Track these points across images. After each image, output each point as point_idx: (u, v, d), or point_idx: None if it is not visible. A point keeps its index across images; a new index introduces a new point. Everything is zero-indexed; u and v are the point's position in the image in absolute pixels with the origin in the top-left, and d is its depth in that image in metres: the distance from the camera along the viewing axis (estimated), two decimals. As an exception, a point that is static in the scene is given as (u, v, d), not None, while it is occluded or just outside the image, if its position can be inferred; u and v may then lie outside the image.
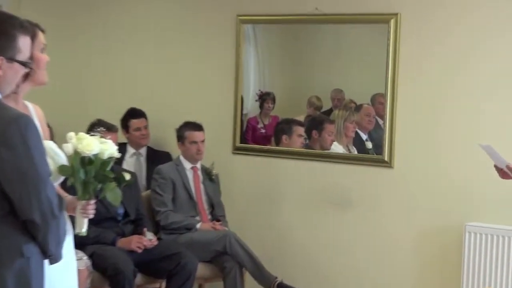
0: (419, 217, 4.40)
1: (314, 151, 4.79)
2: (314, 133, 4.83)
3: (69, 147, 2.39)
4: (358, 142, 4.71)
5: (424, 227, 4.36)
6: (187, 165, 4.77)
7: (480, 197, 4.17)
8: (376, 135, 4.61)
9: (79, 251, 3.76)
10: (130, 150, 5.17)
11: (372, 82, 4.58)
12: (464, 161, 4.24)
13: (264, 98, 4.99)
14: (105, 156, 2.40)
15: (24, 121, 2.05)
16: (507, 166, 3.00)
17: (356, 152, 4.71)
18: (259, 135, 5.04)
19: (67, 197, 2.46)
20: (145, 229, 4.31)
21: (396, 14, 4.33)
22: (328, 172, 4.72)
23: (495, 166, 3.10)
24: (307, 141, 4.84)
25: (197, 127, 4.74)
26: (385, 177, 4.52)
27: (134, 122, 5.10)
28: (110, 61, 5.35)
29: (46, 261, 2.14)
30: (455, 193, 4.27)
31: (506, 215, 4.06)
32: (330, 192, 4.72)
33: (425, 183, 4.39)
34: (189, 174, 4.76)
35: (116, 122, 4.75)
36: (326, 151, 4.77)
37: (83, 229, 2.44)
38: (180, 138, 4.77)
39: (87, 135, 2.41)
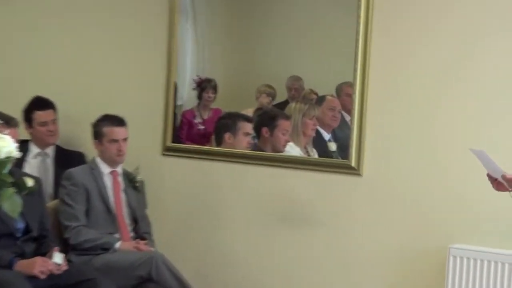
0: (393, 238, 4.41)
1: (264, 153, 4.81)
2: (265, 130, 4.85)
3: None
4: (319, 143, 4.74)
5: (400, 249, 4.37)
6: (105, 169, 4.77)
7: (467, 215, 4.20)
8: (342, 135, 4.63)
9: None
10: (34, 149, 5.17)
11: (338, 68, 4.63)
12: (449, 170, 4.25)
13: (204, 86, 5.07)
14: (1, 155, 2.32)
15: None
16: (503, 176, 3.00)
17: (316, 156, 4.74)
18: (196, 132, 5.10)
19: None
20: (56, 249, 4.23)
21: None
22: (281, 179, 4.74)
23: (488, 176, 3.11)
24: (256, 141, 4.88)
25: (119, 122, 4.73)
26: (351, 187, 4.53)
27: (40, 115, 5.10)
28: (15, 43, 5.45)
29: None
30: (438, 209, 4.29)
31: (496, 236, 4.10)
32: (283, 204, 4.75)
33: (401, 195, 4.40)
34: (107, 180, 4.75)
35: (18, 114, 4.72)
36: (279, 153, 4.78)
37: None
38: (97, 135, 4.76)
39: (-22, 129, 2.26)
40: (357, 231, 4.52)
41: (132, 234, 4.68)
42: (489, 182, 3.17)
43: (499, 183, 3.02)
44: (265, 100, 4.91)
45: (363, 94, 4.46)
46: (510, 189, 2.99)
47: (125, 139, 4.72)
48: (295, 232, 4.68)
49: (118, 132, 4.71)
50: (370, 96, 4.47)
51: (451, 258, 4.10)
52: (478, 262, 4.08)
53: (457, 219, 4.21)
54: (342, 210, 4.57)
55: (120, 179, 4.77)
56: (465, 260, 4.10)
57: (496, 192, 3.20)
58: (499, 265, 4.01)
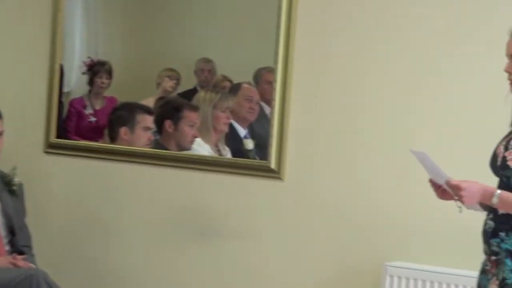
0: (321, 253, 4.36)
1: (167, 152, 4.70)
2: (168, 124, 4.71)
3: None
4: (233, 140, 4.65)
5: (328, 266, 4.34)
6: (-26, 169, 4.51)
7: (407, 228, 4.16)
8: (261, 131, 4.54)
9: None
10: None
11: (257, 51, 4.59)
12: (386, 175, 4.21)
13: (96, 70, 4.93)
14: None
15: None
16: (447, 182, 2.84)
17: (229, 155, 4.64)
18: (86, 125, 5.00)
19: None
20: None
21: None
22: (187, 183, 4.66)
23: (431, 182, 2.96)
24: (158, 137, 4.77)
25: (-9, 113, 4.42)
26: (271, 193, 4.47)
27: None
28: None
29: None
30: (372, 221, 4.23)
31: (438, 252, 4.06)
32: (190, 213, 4.67)
33: (329, 204, 4.34)
34: (-23, 183, 4.49)
35: None
36: (185, 152, 4.68)
37: None
38: (-36, 129, 4.44)
39: None
40: (277, 245, 4.48)
41: (8, 247, 4.48)
42: (432, 190, 3.01)
43: (444, 191, 2.90)
44: (168, 84, 4.83)
45: (285, 82, 4.41)
46: (456, 198, 2.81)
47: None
48: (203, 245, 4.64)
49: (-10, 125, 4.41)
50: (294, 85, 4.42)
51: (388, 278, 4.08)
52: (419, 282, 4.03)
53: (395, 232, 4.19)
54: (260, 220, 4.52)
55: (-7, 182, 4.54)
56: (403, 281, 4.06)
57: (442, 202, 3.06)
58: (444, 286, 3.98)
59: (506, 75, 2.91)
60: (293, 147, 4.42)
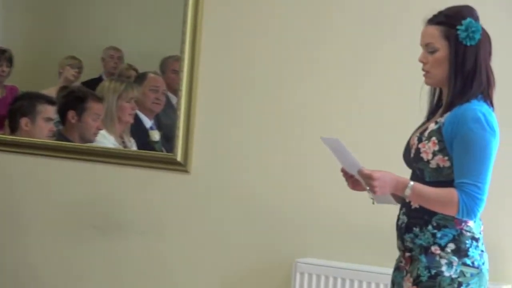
0: (229, 249, 4.34)
1: (70, 144, 4.63)
2: (71, 115, 4.61)
3: None
4: (138, 132, 4.58)
5: (236, 263, 4.32)
6: None
7: (318, 225, 4.12)
8: (167, 122, 4.50)
9: None
10: None
11: (163, 39, 4.57)
12: (298, 170, 4.19)
13: None
14: None
15: None
16: (360, 171, 2.75)
17: (134, 147, 4.58)
18: None
19: None
20: None
21: None
22: (91, 176, 4.58)
23: (343, 171, 2.88)
24: (60, 128, 4.67)
25: None
26: (177, 186, 4.43)
27: None
28: None
29: None
30: (283, 217, 4.21)
31: (352, 249, 4.04)
32: (94, 207, 4.58)
33: (238, 198, 4.32)
34: None
35: None
36: (88, 144, 4.61)
37: None
38: None
39: None
40: (182, 240, 4.43)
41: None
42: (344, 180, 2.92)
43: (356, 181, 2.82)
44: (69, 73, 4.75)
45: (192, 71, 4.35)
46: (367, 188, 2.72)
47: None
48: (108, 240, 4.55)
49: None
50: (201, 74, 4.38)
51: (298, 275, 4.01)
52: (331, 279, 3.97)
53: (306, 228, 4.16)
54: (165, 214, 4.46)
55: None
56: (314, 278, 3.99)
57: (354, 197, 3.04)
58: (355, 283, 3.93)
59: (421, 66, 2.85)
60: (200, 139, 4.40)
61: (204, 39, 4.35)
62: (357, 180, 2.84)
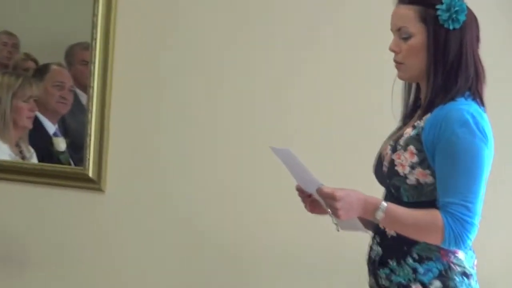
0: (149, 279, 4.37)
1: None
2: None
3: None
4: (39, 140, 4.57)
5: None
6: None
7: (261, 254, 4.16)
8: (76, 127, 4.52)
9: None
10: None
11: (70, 23, 4.54)
12: (234, 185, 4.21)
13: None
14: None
15: None
16: (319, 190, 2.72)
17: (35, 159, 4.56)
18: None
19: None
20: None
21: None
22: None
23: (298, 190, 2.88)
24: None
25: None
26: (88, 208, 4.44)
27: None
28: None
29: None
30: (217, 245, 4.25)
31: (310, 284, 4.08)
32: None
33: (164, 223, 4.34)
34: None
35: None
36: None
37: None
38: None
39: None
40: (97, 275, 4.44)
41: None
42: (300, 201, 2.94)
43: (314, 202, 2.82)
44: None
45: (106, 62, 4.37)
46: (330, 211, 2.68)
47: None
48: (2, 275, 4.55)
49: None
50: (117, 66, 4.39)
51: None
52: None
53: (247, 259, 4.21)
54: (73, 243, 4.47)
55: None
56: None
57: (313, 219, 3.01)
58: None
59: (391, 59, 2.79)
60: (117, 149, 4.39)
61: (120, 22, 4.35)
62: (316, 201, 2.80)
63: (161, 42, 4.36)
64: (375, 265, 2.71)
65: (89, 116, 4.35)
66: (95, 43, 4.34)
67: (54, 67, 4.53)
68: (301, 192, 2.87)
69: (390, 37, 2.87)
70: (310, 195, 2.83)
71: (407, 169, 2.62)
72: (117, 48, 4.36)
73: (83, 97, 4.45)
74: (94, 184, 4.36)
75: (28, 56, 4.58)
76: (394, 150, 2.68)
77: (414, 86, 2.79)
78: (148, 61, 4.37)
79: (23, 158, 4.54)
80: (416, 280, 2.63)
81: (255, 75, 4.25)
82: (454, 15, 2.64)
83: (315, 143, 4.07)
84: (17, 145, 4.55)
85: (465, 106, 2.59)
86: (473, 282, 2.65)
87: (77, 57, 4.47)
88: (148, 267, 4.42)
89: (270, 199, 4.01)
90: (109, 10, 4.33)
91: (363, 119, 3.99)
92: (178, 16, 4.37)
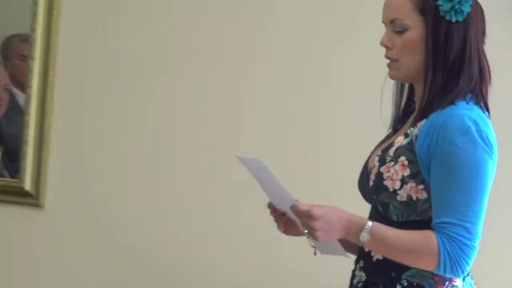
0: None
1: None
2: None
3: None
4: None
5: None
6: None
7: (221, 281, 4.19)
8: (11, 132, 4.53)
9: None
10: None
11: (5, 12, 4.55)
12: (196, 204, 4.21)
13: None
14: None
15: None
16: (294, 208, 2.67)
17: None
18: None
19: None
20: None
21: None
22: None
23: (270, 207, 2.84)
24: None
25: None
26: (25, 226, 4.44)
27: None
28: None
29: None
30: (170, 268, 4.27)
31: None
32: None
33: (109, 240, 4.35)
34: None
35: None
36: None
37: None
38: None
39: None
40: None
41: None
42: (272, 220, 2.90)
43: (289, 222, 2.78)
44: None
45: (47, 57, 4.37)
46: (306, 231, 2.63)
47: None
48: None
49: None
50: (61, 62, 4.39)
51: None
52: None
53: None
54: (8, 264, 4.48)
55: None
56: None
57: (289, 240, 2.98)
58: None
59: (383, 52, 2.74)
60: (58, 159, 4.38)
61: (65, 11, 4.33)
62: (291, 220, 2.78)
63: (111, 35, 4.35)
64: None
65: (27, 119, 4.32)
66: (36, 35, 4.31)
67: (-15, 62, 4.59)
68: (273, 209, 2.82)
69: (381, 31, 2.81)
70: (284, 213, 2.79)
71: (398, 184, 2.59)
72: (60, 41, 4.34)
73: (20, 98, 4.44)
74: (31, 199, 4.32)
75: None
76: (382, 161, 2.63)
77: (407, 87, 2.73)
78: (96, 58, 4.34)
79: (-51, 168, 4.53)
80: None
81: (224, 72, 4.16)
82: (457, 6, 2.59)
83: (294, 153, 4.03)
84: None
85: (466, 111, 2.54)
86: None
87: (14, 50, 4.47)
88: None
89: (228, 219, 3.98)
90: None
91: (348, 125, 3.96)
92: (127, 3, 4.35)
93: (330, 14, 4.13)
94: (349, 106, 4.01)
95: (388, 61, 2.73)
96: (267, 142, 4.15)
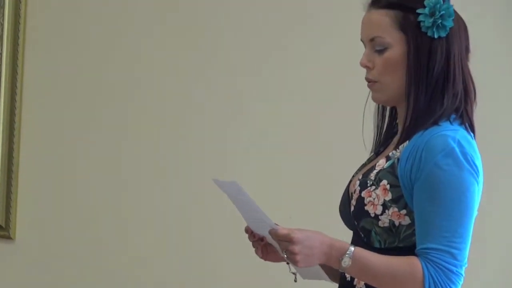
0: None
1: None
2: None
3: None
4: None
5: None
6: None
7: None
8: None
9: None
10: None
11: None
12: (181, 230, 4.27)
13: None
14: None
15: None
16: (273, 232, 2.68)
17: None
18: None
19: None
20: None
21: None
22: None
23: (248, 231, 2.85)
24: None
25: None
26: None
27: None
28: None
29: None
30: None
31: None
32: None
33: (87, 273, 4.33)
34: None
35: None
36: None
37: None
38: None
39: None
40: None
41: None
42: (250, 245, 2.91)
43: (268, 247, 2.79)
44: None
45: (14, 70, 4.39)
46: (285, 256, 2.63)
47: None
48: None
49: None
50: (29, 73, 4.41)
51: None
52: None
53: None
54: None
55: None
56: None
57: (266, 265, 2.98)
58: None
59: (362, 75, 2.73)
60: (28, 188, 4.37)
61: (31, 6, 4.31)
62: (270, 246, 2.78)
63: (84, 28, 4.36)
64: None
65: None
66: (2, 30, 4.34)
67: None
68: (251, 234, 2.82)
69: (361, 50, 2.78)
70: (262, 238, 2.79)
71: (379, 209, 2.58)
72: (27, 50, 4.35)
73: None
74: (1, 231, 4.34)
75: None
76: (363, 186, 2.63)
77: (389, 108, 2.72)
78: (68, 55, 4.33)
79: None
80: None
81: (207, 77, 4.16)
82: (439, 21, 2.58)
83: (273, 175, 4.07)
84: None
85: (450, 132, 2.54)
86: None
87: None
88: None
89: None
90: (16, 3, 4.33)
91: (328, 148, 3.99)
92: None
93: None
94: (330, 130, 3.97)
95: (368, 82, 2.69)
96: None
